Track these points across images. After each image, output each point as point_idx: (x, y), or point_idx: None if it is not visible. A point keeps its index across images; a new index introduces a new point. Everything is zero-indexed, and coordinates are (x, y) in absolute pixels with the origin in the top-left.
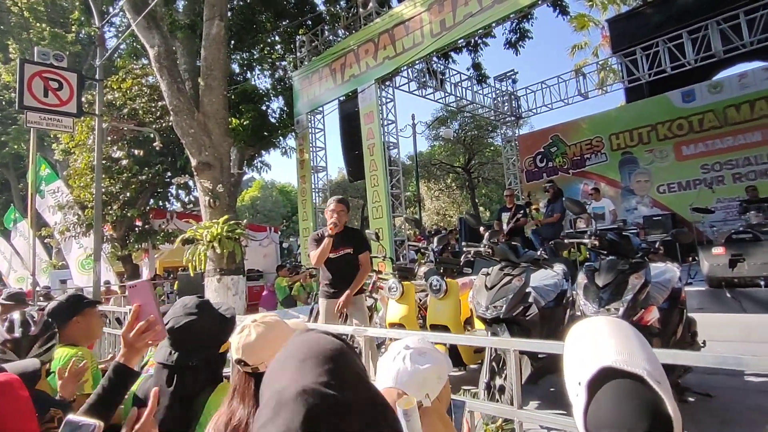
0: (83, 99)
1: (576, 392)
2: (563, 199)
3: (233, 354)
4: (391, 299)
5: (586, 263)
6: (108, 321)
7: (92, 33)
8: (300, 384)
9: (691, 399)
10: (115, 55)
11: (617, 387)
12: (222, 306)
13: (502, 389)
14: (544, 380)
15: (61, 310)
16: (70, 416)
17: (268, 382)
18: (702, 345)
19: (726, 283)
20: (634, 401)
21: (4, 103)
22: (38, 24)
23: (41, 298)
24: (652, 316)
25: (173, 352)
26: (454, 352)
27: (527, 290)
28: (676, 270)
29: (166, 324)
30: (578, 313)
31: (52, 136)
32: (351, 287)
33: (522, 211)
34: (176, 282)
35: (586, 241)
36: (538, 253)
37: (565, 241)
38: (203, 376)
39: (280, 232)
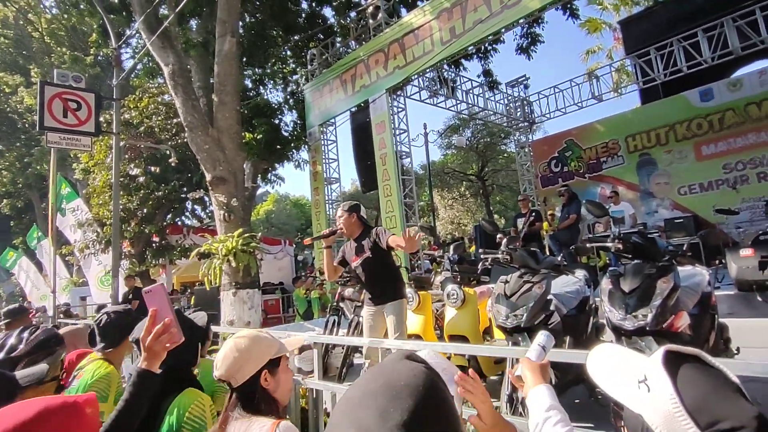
0: (101, 119)
1: (645, 386)
2: (584, 201)
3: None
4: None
5: (610, 268)
6: None
7: (110, 54)
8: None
9: None
10: (132, 75)
11: (696, 364)
12: (197, 316)
13: (524, 402)
14: (568, 392)
15: (124, 326)
16: None
17: (346, 414)
18: (736, 352)
19: (757, 286)
20: (717, 372)
21: (27, 125)
22: (59, 48)
23: (61, 315)
24: (683, 321)
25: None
26: (473, 363)
27: (548, 297)
28: (706, 273)
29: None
30: (602, 321)
31: (72, 156)
32: (399, 239)
33: (535, 214)
34: (193, 297)
35: (609, 244)
36: (558, 258)
37: (588, 245)
38: (169, 382)
39: (294, 245)
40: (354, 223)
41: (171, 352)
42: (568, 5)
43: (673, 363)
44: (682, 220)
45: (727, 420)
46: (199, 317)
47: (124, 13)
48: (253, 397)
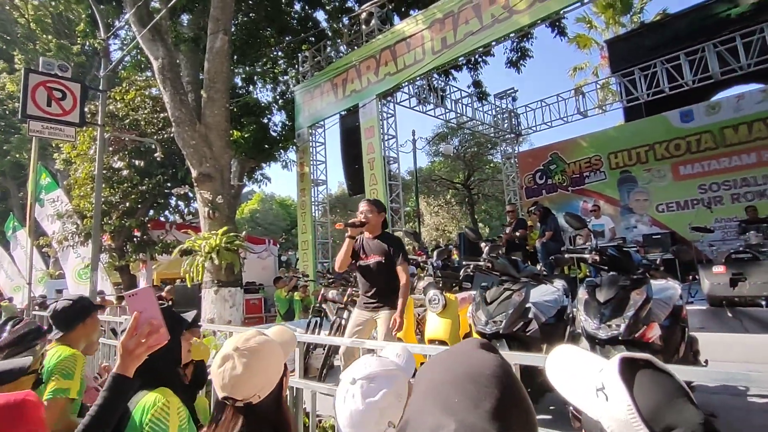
0: (86, 109)
1: (603, 395)
2: (564, 214)
3: (217, 391)
4: None
5: (587, 279)
6: (103, 331)
7: (97, 45)
8: (466, 426)
9: None
10: (119, 67)
11: (649, 371)
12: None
13: None
14: (544, 398)
15: (71, 313)
16: None
17: (432, 397)
18: (704, 365)
19: (727, 302)
20: (667, 377)
21: (7, 112)
22: (44, 35)
23: (37, 307)
24: (654, 333)
25: None
26: None
27: (527, 306)
28: (678, 287)
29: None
30: (578, 330)
31: (53, 145)
32: (399, 308)
33: (519, 221)
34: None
35: (586, 256)
36: (540, 266)
37: (566, 256)
38: (141, 380)
39: (279, 245)
40: (379, 223)
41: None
42: (557, 23)
43: (629, 371)
44: (659, 236)
45: (678, 427)
46: (188, 313)
47: (113, 3)
48: (273, 416)
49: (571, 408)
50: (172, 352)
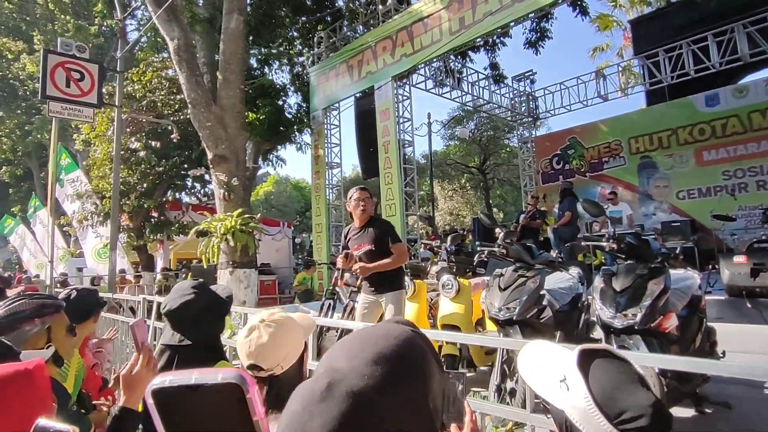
0: (104, 90)
1: (565, 386)
2: (581, 200)
3: (243, 360)
4: None
5: (603, 267)
6: (122, 309)
7: (114, 26)
8: (354, 382)
9: (708, 410)
10: (136, 48)
11: (605, 360)
12: (219, 288)
13: (512, 392)
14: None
15: (79, 312)
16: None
17: (331, 357)
18: (721, 356)
19: (747, 292)
20: (623, 365)
21: (28, 93)
22: (63, 16)
23: (58, 285)
24: (671, 323)
25: (174, 333)
26: (465, 353)
27: (542, 292)
28: (696, 277)
29: (164, 307)
30: (593, 318)
31: (73, 126)
32: (372, 264)
33: (539, 213)
34: (189, 273)
35: (603, 243)
36: (555, 253)
37: (583, 243)
38: (203, 355)
39: (293, 228)
40: (371, 209)
41: (200, 327)
42: (579, 2)
43: (586, 362)
44: (679, 224)
45: (628, 411)
46: (221, 289)
47: None
48: (294, 389)
49: (542, 399)
50: (217, 326)
